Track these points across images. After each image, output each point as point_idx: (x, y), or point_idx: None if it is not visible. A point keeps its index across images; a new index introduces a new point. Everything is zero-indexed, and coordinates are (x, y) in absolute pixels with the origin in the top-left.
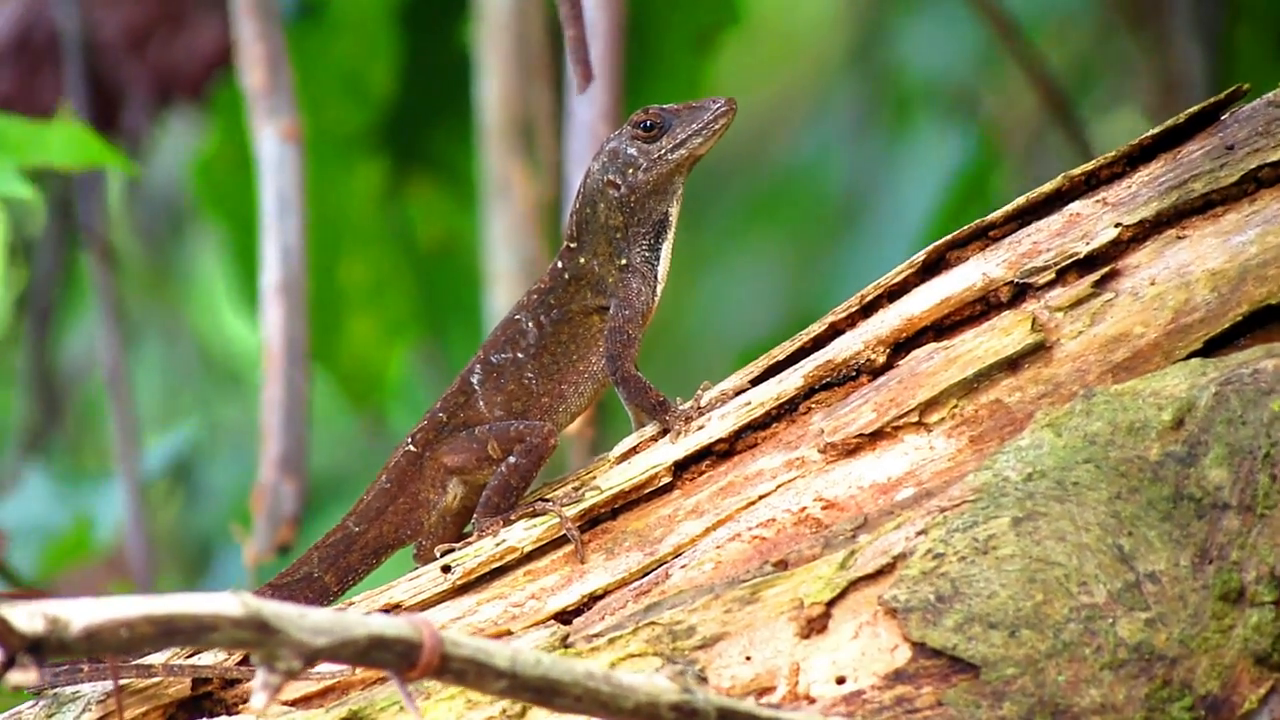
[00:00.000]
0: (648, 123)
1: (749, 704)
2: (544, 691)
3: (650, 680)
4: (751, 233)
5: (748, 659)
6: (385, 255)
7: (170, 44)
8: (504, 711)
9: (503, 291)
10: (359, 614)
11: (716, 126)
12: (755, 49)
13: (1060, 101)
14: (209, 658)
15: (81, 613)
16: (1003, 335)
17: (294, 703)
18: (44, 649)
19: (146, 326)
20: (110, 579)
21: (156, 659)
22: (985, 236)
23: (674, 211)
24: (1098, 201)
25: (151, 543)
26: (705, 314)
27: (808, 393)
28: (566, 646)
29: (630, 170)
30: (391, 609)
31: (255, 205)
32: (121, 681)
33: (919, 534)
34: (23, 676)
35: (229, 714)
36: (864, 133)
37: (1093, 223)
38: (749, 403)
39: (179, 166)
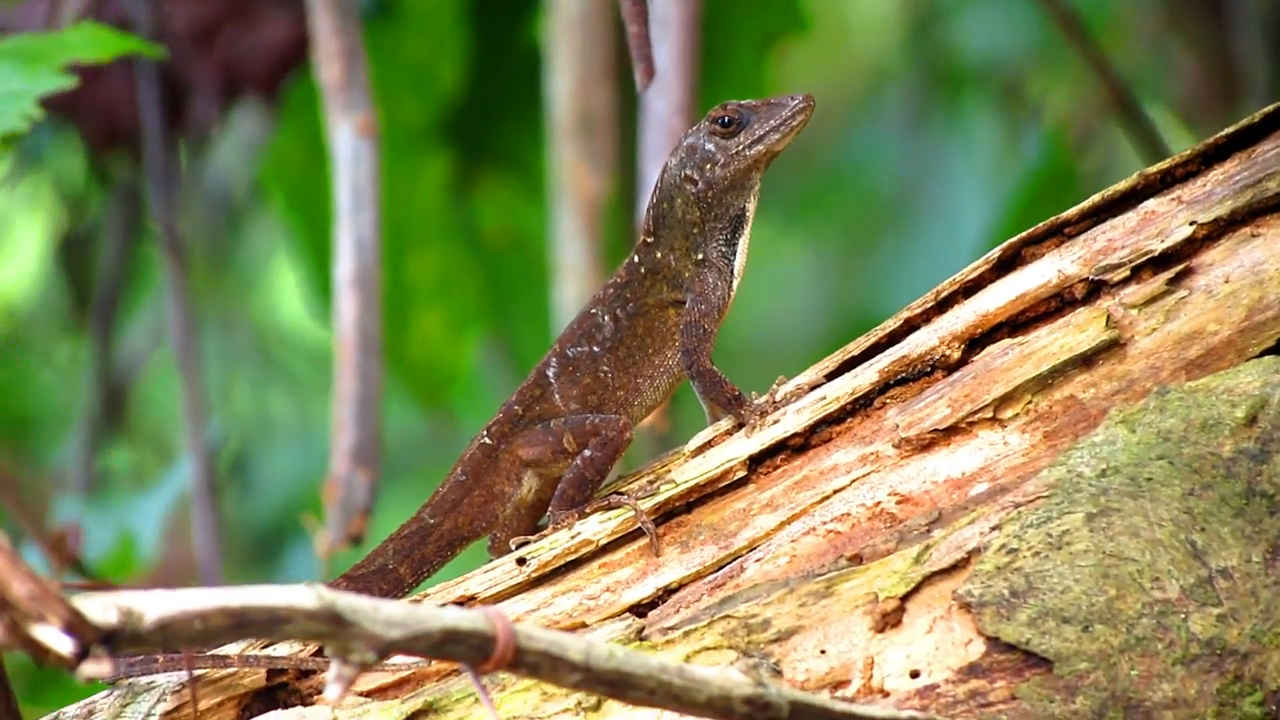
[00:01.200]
0: (726, 118)
1: (822, 698)
2: (617, 685)
3: (723, 674)
4: (805, 228)
5: (822, 652)
6: (453, 250)
7: (239, 39)
8: (579, 704)
9: (571, 286)
10: (433, 607)
11: (794, 123)
12: (813, 45)
13: (1124, 96)
14: (284, 649)
15: (155, 605)
16: (1077, 332)
17: (369, 694)
18: (117, 640)
19: (206, 319)
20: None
21: (231, 649)
22: (1060, 233)
23: (751, 207)
24: (1173, 199)
25: (219, 532)
26: (759, 310)
27: (883, 388)
28: (641, 639)
29: (708, 165)
30: (466, 601)
31: (326, 199)
32: (196, 672)
33: (993, 529)
34: (96, 668)
35: (304, 705)
36: (919, 127)
37: (1168, 220)
38: (824, 397)
39: (240, 160)
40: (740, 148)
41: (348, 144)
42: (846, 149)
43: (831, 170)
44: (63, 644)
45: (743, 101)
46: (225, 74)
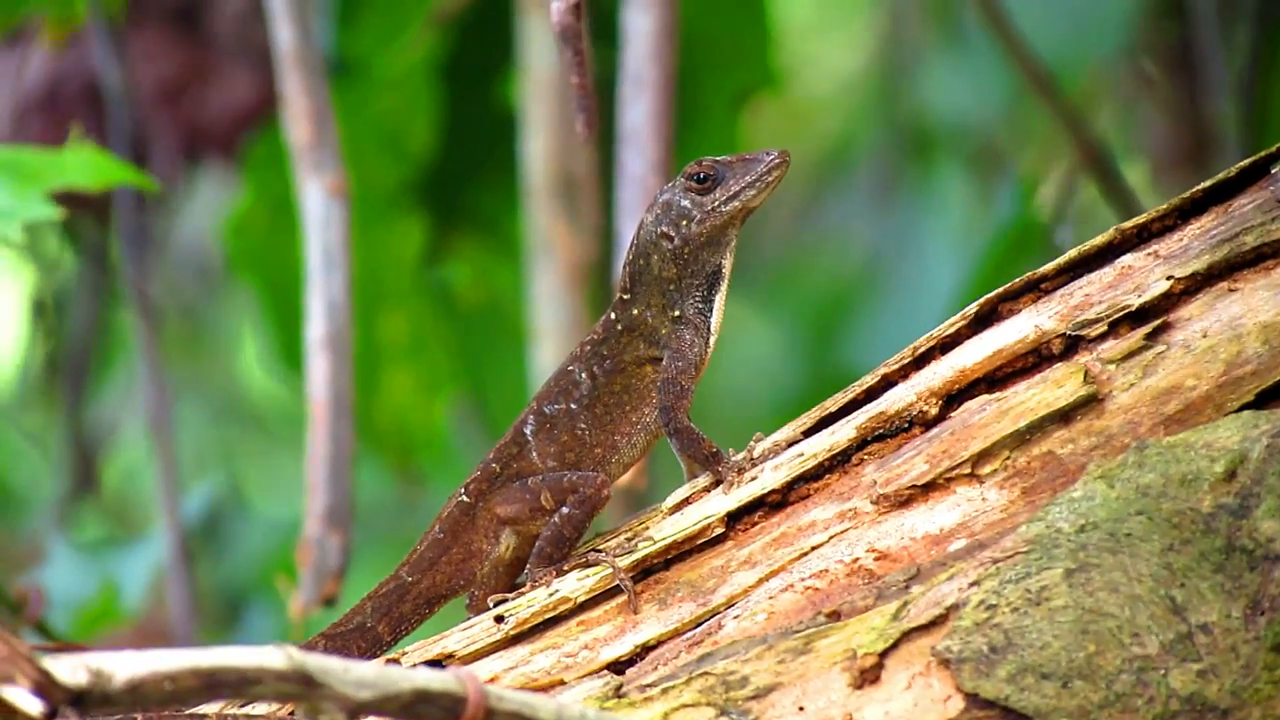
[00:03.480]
0: (702, 174)
1: None
2: None
3: None
4: (778, 289)
5: (801, 709)
6: (425, 311)
7: (201, 99)
8: None
9: (547, 348)
10: (403, 668)
11: (770, 179)
12: (784, 107)
13: (1097, 153)
14: (262, 708)
15: (125, 665)
16: (1055, 387)
17: None
18: (87, 701)
19: (177, 381)
20: (139, 644)
21: (210, 709)
22: (1037, 289)
23: (727, 263)
24: (1149, 254)
25: (193, 595)
26: (732, 369)
27: (860, 444)
28: (620, 697)
29: (684, 222)
30: (445, 659)
31: (291, 261)
32: None
33: (972, 585)
34: None
35: None
36: (890, 188)
37: (1145, 275)
38: (801, 454)
39: (205, 221)
40: (716, 204)
41: (318, 205)
42: (818, 211)
43: (803, 232)
44: (32, 705)
45: (718, 158)
46: (187, 133)
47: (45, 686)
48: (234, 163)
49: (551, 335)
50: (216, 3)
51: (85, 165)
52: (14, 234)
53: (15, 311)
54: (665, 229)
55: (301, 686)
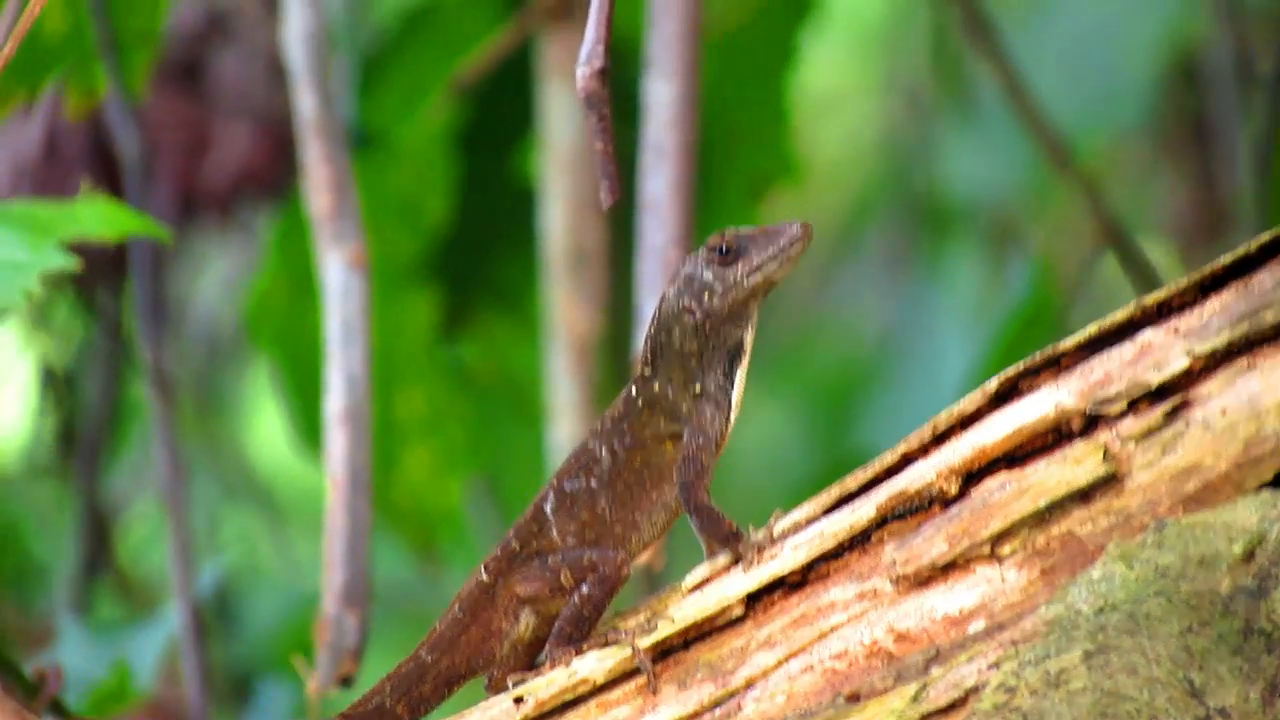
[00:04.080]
0: (724, 247)
1: None
2: None
3: None
4: (790, 366)
5: None
6: (441, 386)
7: (197, 159)
8: None
9: (564, 424)
10: None
11: (793, 252)
12: (802, 185)
13: (1115, 227)
14: None
15: None
16: (1075, 465)
17: None
18: None
19: (190, 456)
20: None
21: None
22: (1057, 365)
23: (749, 338)
24: (1169, 330)
25: (206, 671)
26: (743, 449)
27: (880, 523)
28: None
29: (706, 295)
30: None
31: (310, 334)
32: None
33: (991, 667)
34: None
35: None
36: (903, 264)
37: (1165, 352)
38: (821, 532)
39: (217, 292)
40: (739, 277)
41: (338, 276)
42: (829, 284)
43: (814, 306)
44: None
45: (740, 229)
46: (183, 193)
47: None
48: (230, 223)
49: (567, 411)
50: (216, 62)
51: (99, 216)
52: (33, 286)
53: (25, 382)
54: (688, 302)
55: None
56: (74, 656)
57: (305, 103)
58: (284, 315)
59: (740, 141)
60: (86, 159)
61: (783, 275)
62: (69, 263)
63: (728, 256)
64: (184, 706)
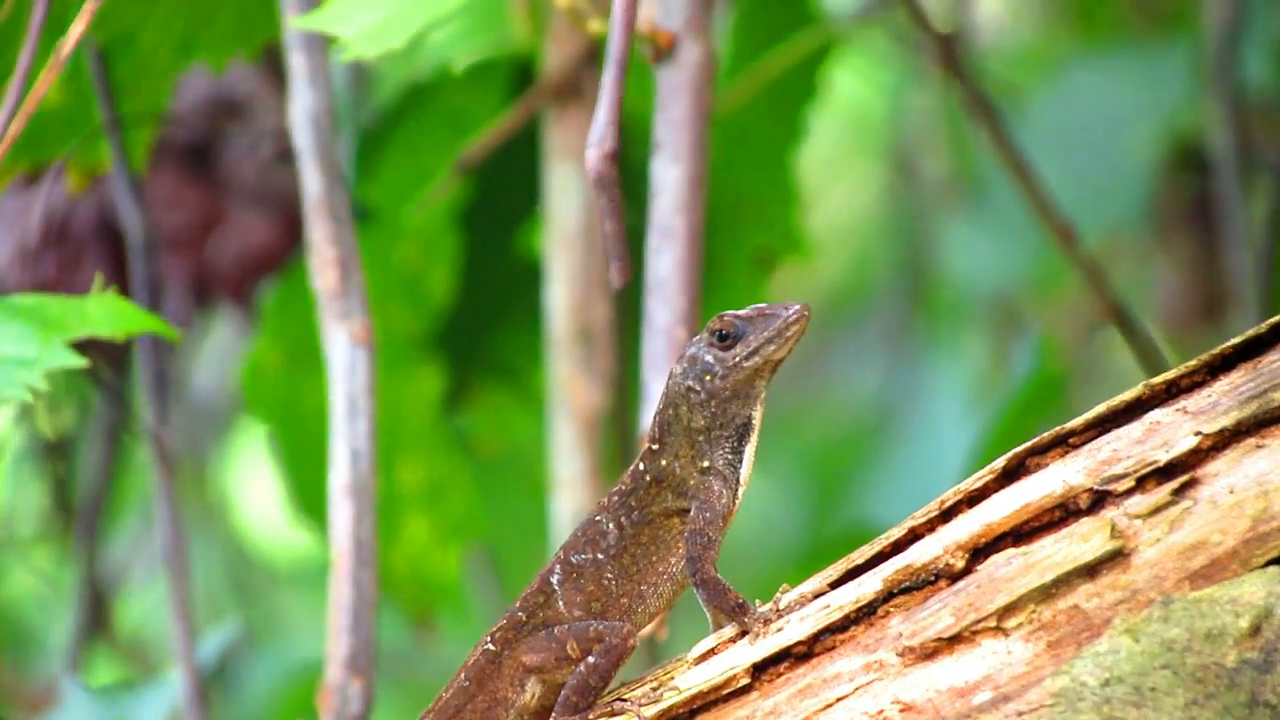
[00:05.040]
0: (722, 331)
1: None
2: None
3: None
4: (787, 437)
5: None
6: (443, 459)
7: (214, 244)
8: None
9: (567, 499)
10: None
11: (789, 334)
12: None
13: (1120, 308)
14: None
15: None
16: (1081, 542)
17: None
18: None
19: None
20: None
21: None
22: (1065, 444)
23: (757, 415)
24: (1178, 410)
25: None
26: (741, 522)
27: (886, 596)
28: None
29: (708, 377)
30: None
31: (306, 406)
32: None
33: None
34: None
35: None
36: (902, 343)
37: (1173, 431)
38: (828, 605)
39: (215, 365)
40: (738, 359)
41: (343, 352)
42: (825, 358)
43: (809, 379)
44: None
45: (739, 312)
46: (199, 277)
47: None
48: (247, 308)
49: (569, 485)
50: (231, 146)
51: (108, 314)
52: (38, 383)
53: (21, 449)
54: (691, 383)
55: None
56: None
57: (311, 181)
58: (281, 385)
59: (747, 218)
60: (96, 239)
61: (782, 355)
62: (76, 361)
63: (727, 340)
64: None
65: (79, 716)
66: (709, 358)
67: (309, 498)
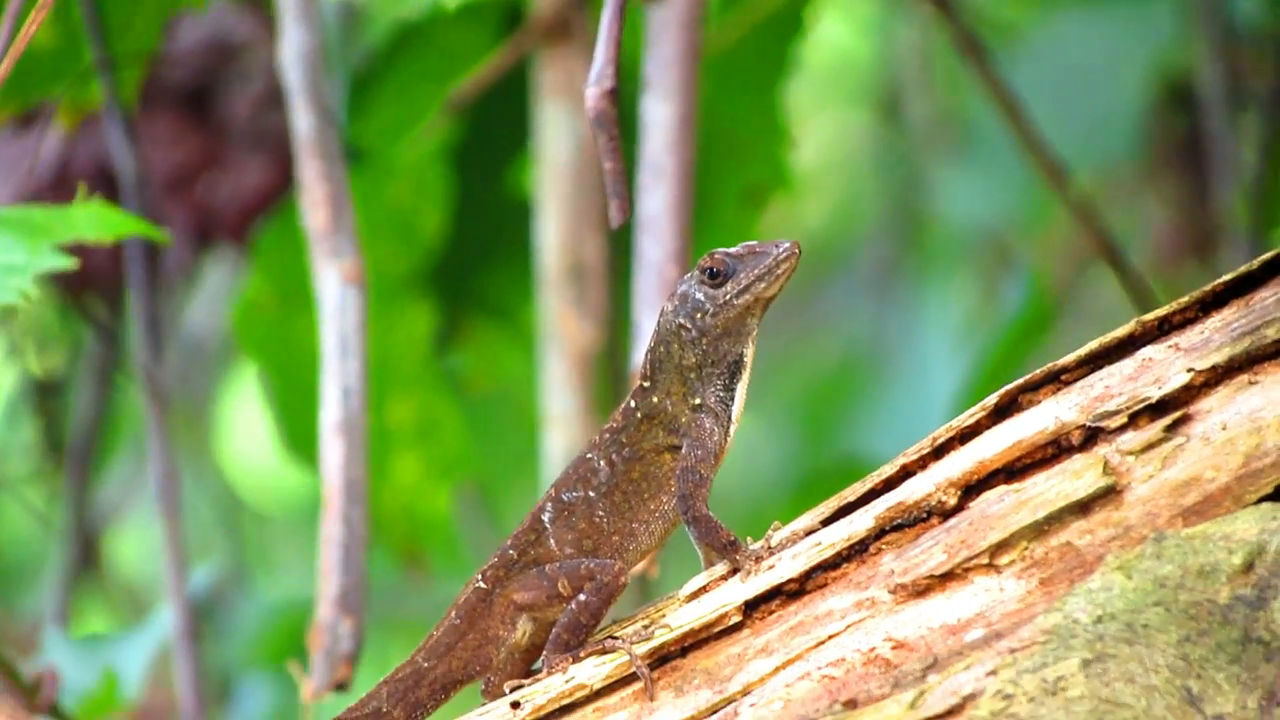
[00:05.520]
0: (713, 269)
1: None
2: None
3: None
4: (780, 379)
5: None
6: (434, 397)
7: (212, 186)
8: None
9: (559, 435)
10: None
11: (779, 271)
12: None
13: (1111, 245)
14: None
15: None
16: (1074, 478)
17: None
18: None
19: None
20: None
21: None
22: (1057, 380)
23: (748, 353)
24: (1170, 346)
25: (199, 676)
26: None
27: (878, 534)
28: None
29: (699, 314)
30: None
31: (298, 345)
32: None
33: (988, 674)
34: None
35: None
36: (893, 280)
37: (1165, 367)
38: (819, 543)
39: (214, 305)
40: (728, 297)
41: (334, 291)
42: (820, 303)
43: (806, 324)
44: None
45: (730, 250)
46: (198, 219)
47: None
48: (245, 248)
49: (561, 422)
50: (228, 89)
51: (94, 219)
52: (29, 287)
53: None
54: (682, 320)
55: None
56: (61, 664)
57: (301, 121)
58: (272, 324)
59: (736, 154)
60: (92, 183)
61: (772, 292)
62: (65, 263)
63: (717, 278)
64: (169, 710)
65: (65, 660)
66: (700, 295)
67: (300, 436)
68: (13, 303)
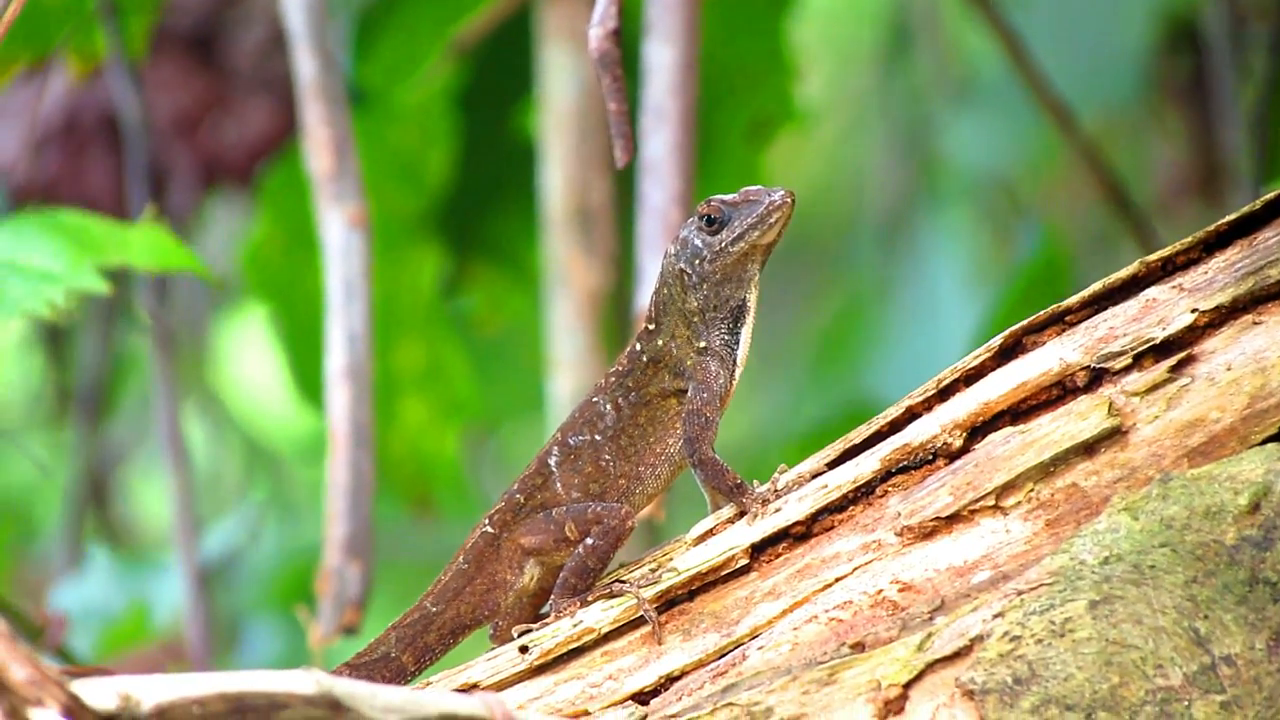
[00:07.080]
0: (709, 215)
1: None
2: None
3: None
4: (790, 323)
5: None
6: (441, 340)
7: (218, 129)
8: None
9: (565, 378)
10: (431, 691)
11: (773, 219)
12: (802, 140)
13: (1117, 187)
14: None
15: (153, 690)
16: (1079, 420)
17: None
18: None
19: (187, 406)
20: (167, 663)
21: None
22: (1062, 321)
23: (751, 298)
24: (1174, 287)
25: (209, 622)
26: (738, 402)
27: (884, 476)
28: None
29: (698, 260)
30: (469, 689)
31: (307, 289)
32: None
33: (996, 617)
34: None
35: None
36: (905, 224)
37: (1169, 308)
38: (826, 486)
39: (222, 247)
40: (724, 244)
41: (339, 235)
42: (829, 246)
43: (814, 268)
44: None
45: (726, 197)
46: (204, 163)
47: (75, 710)
48: (251, 192)
49: (568, 365)
50: (234, 33)
51: (148, 245)
52: (59, 300)
53: (20, 335)
54: (683, 265)
55: (329, 711)
56: (91, 591)
57: (304, 65)
58: (280, 267)
59: (741, 91)
60: (100, 131)
61: (769, 239)
62: (99, 286)
63: (714, 225)
64: (180, 649)
65: (98, 584)
66: (698, 242)
67: (309, 380)
68: (38, 312)
